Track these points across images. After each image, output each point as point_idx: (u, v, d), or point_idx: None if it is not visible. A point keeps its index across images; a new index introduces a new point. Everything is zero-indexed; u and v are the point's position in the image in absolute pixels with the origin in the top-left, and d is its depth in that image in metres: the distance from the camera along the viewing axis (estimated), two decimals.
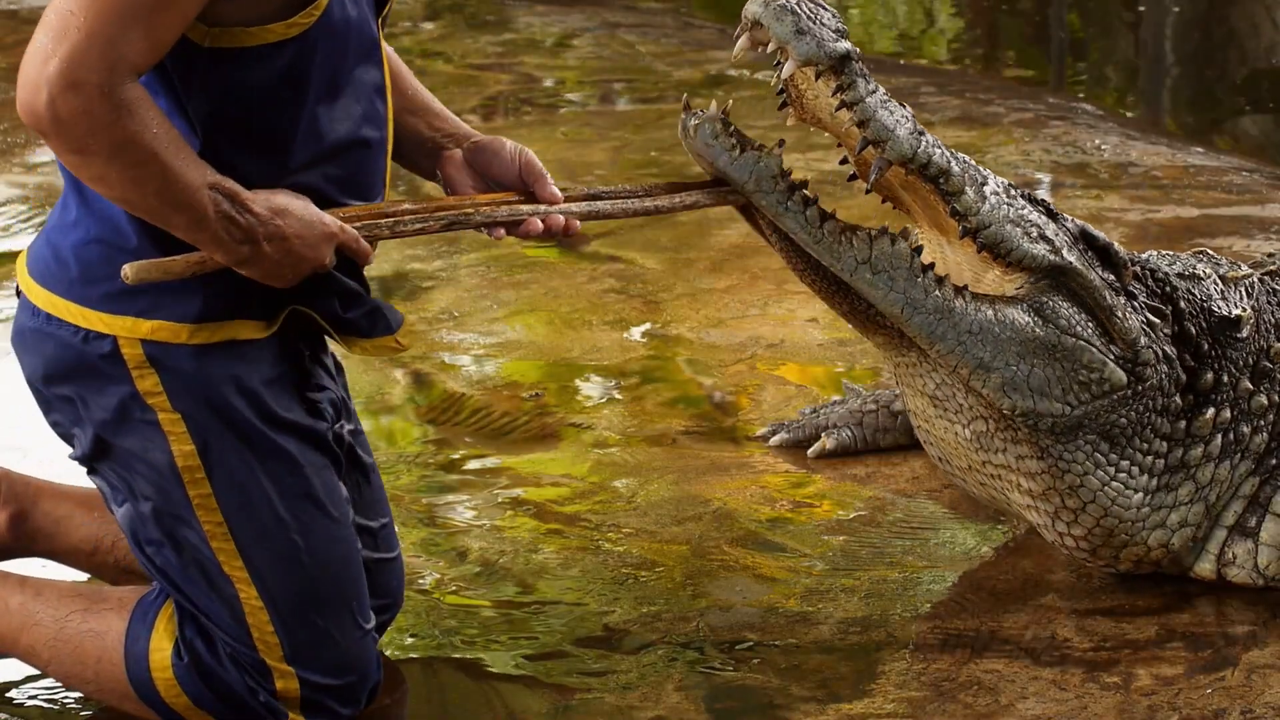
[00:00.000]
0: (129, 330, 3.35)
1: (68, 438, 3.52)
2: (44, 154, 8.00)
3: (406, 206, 3.49)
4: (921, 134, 3.71)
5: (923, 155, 3.70)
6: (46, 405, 3.51)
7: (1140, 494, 3.95)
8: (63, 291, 3.39)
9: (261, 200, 3.29)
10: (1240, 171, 7.62)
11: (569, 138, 8.25)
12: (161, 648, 3.49)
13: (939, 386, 3.92)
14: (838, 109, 3.67)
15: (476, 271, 6.30)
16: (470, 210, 3.53)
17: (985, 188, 3.82)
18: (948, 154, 3.76)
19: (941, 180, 3.74)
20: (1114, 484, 3.93)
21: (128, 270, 3.27)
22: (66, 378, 3.42)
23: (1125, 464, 3.93)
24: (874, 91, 3.66)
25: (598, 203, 3.63)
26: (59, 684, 3.73)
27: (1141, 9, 11.42)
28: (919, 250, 3.78)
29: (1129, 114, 9.57)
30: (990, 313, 3.81)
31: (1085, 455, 3.90)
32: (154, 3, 3.14)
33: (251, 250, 3.28)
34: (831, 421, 4.90)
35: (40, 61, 3.12)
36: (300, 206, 3.32)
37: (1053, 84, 10.29)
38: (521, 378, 5.40)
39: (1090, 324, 3.86)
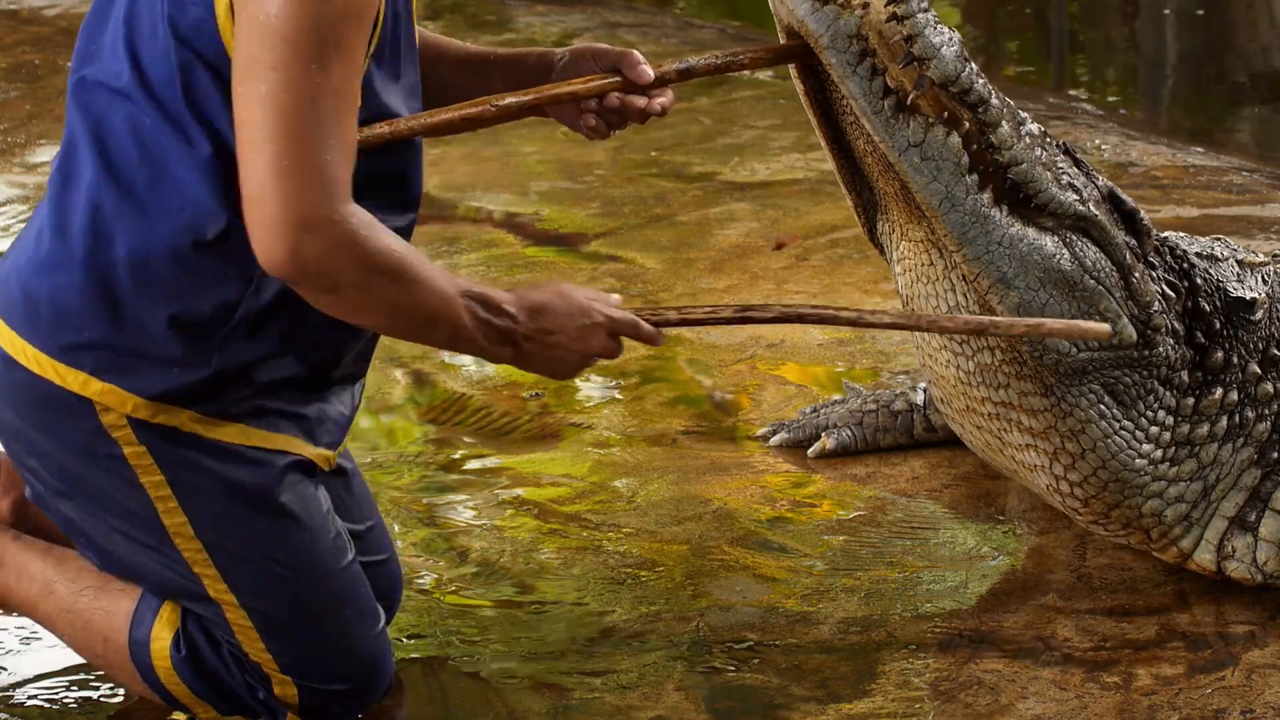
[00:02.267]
0: (79, 386, 3.29)
1: (32, 472, 3.44)
2: (44, 154, 8.00)
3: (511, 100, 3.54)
4: (967, 60, 3.74)
5: (966, 80, 3.72)
6: (6, 437, 3.44)
7: (1144, 460, 3.96)
8: (26, 333, 3.33)
9: (515, 300, 3.27)
10: (1240, 171, 7.62)
11: (569, 138, 8.24)
12: (161, 636, 3.48)
13: (952, 309, 3.92)
14: (888, 20, 3.69)
15: (476, 271, 6.30)
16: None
17: (1022, 127, 3.86)
18: (990, 87, 3.78)
19: (980, 109, 3.76)
20: (1117, 438, 3.94)
21: None
22: (28, 408, 3.36)
23: (1129, 425, 3.94)
24: (925, 9, 3.70)
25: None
26: (62, 685, 3.73)
27: (1166, 12, 11.41)
28: (968, 145, 3.78)
29: (1128, 111, 9.56)
30: (1023, 231, 3.82)
31: (1089, 404, 3.91)
32: (340, 108, 3.10)
33: (513, 351, 3.29)
34: (831, 421, 4.90)
35: (265, 214, 3.07)
36: (559, 302, 3.31)
37: (1053, 84, 10.29)
38: (521, 377, 5.40)
39: (1114, 274, 3.88)
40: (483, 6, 11.54)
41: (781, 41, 3.84)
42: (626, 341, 3.44)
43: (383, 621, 3.57)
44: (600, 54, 3.62)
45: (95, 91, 3.30)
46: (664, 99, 3.64)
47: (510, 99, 3.54)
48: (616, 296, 3.45)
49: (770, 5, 3.79)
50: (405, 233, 3.39)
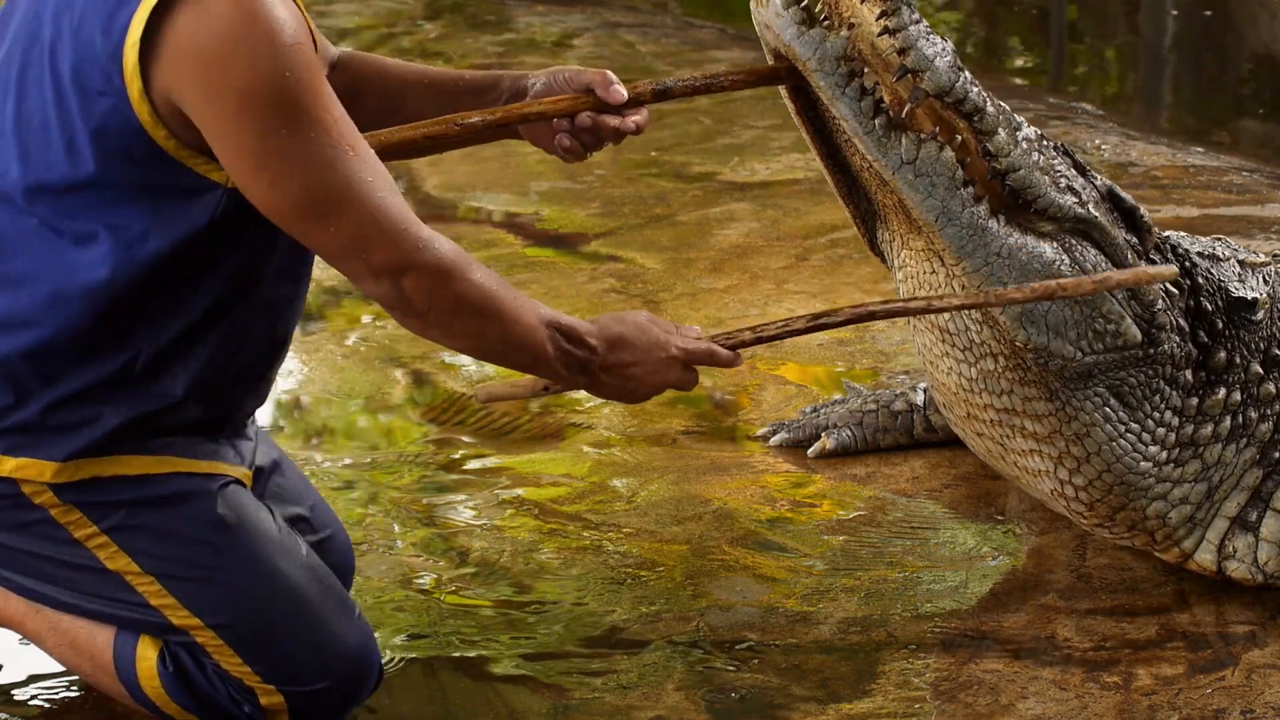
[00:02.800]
0: None
1: None
2: None
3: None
4: (960, 69, 3.73)
5: (960, 89, 3.71)
6: None
7: (1148, 463, 3.96)
8: None
9: (598, 333, 3.37)
10: (1240, 171, 7.62)
11: None
12: (147, 656, 3.47)
13: (953, 319, 3.92)
14: (880, 34, 3.68)
15: None
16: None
17: (1019, 132, 3.84)
18: (985, 94, 3.77)
19: (976, 118, 3.75)
20: (1122, 441, 3.93)
21: (480, 393, 3.39)
22: None
23: (1135, 427, 3.94)
24: (917, 21, 3.69)
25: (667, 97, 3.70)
26: (62, 685, 3.73)
27: (1175, 13, 11.41)
28: (964, 157, 3.78)
29: (1128, 111, 9.56)
30: (1022, 240, 3.81)
31: (1094, 406, 3.91)
32: (356, 147, 3.16)
33: (588, 380, 3.39)
34: (831, 421, 4.90)
35: (359, 271, 3.18)
36: (639, 335, 3.40)
37: (1053, 84, 10.29)
38: (521, 377, 5.39)
39: None
40: (483, 6, 11.54)
41: (770, 63, 3.84)
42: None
43: (358, 611, 3.54)
44: (574, 76, 3.61)
45: None
46: (638, 117, 3.61)
47: (475, 117, 3.52)
48: (696, 328, 3.52)
49: (756, 29, 3.79)
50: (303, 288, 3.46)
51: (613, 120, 3.59)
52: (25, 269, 3.26)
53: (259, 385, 3.49)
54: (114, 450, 3.32)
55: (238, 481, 3.46)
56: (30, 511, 3.32)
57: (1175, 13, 11.37)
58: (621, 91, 3.57)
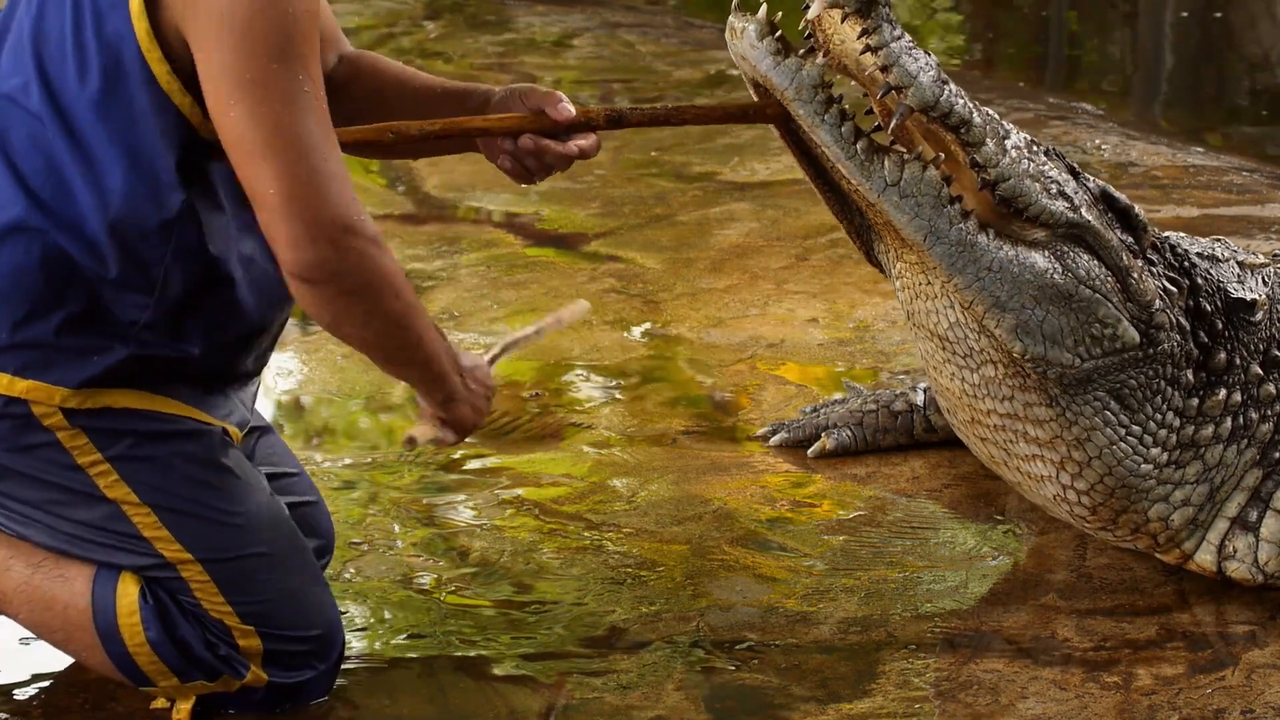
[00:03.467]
0: (4, 388, 3.33)
1: None
2: None
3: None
4: (945, 83, 3.72)
5: (945, 104, 3.71)
6: None
7: (1149, 465, 3.96)
8: None
9: (462, 357, 3.44)
10: (1240, 171, 7.62)
11: None
12: (128, 592, 3.49)
13: (951, 327, 3.92)
14: (862, 52, 3.68)
15: (477, 271, 6.30)
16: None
17: (1007, 141, 3.83)
18: (970, 105, 3.76)
19: (962, 130, 3.74)
20: (1123, 444, 3.93)
21: (413, 434, 3.45)
22: None
23: (1136, 429, 3.94)
24: (899, 37, 3.68)
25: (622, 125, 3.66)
26: (62, 684, 3.73)
27: (1184, 14, 11.40)
28: (949, 179, 3.78)
29: (1129, 111, 9.57)
30: (1012, 252, 3.81)
31: (1094, 411, 3.91)
32: (326, 108, 3.19)
33: (459, 381, 3.43)
34: (831, 421, 4.90)
35: (292, 228, 3.15)
36: (482, 370, 3.48)
37: (1053, 84, 10.29)
38: (522, 378, 5.40)
39: (1109, 280, 3.87)
40: (483, 6, 11.54)
41: (750, 92, 3.84)
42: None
43: (324, 583, 3.61)
44: (528, 93, 3.60)
45: None
46: (584, 141, 3.57)
47: (413, 126, 3.50)
48: None
49: (732, 60, 3.79)
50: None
51: (556, 146, 3.56)
52: (44, 182, 3.30)
53: (258, 345, 3.54)
54: (125, 385, 3.37)
55: (229, 437, 3.54)
56: (37, 434, 3.36)
57: (1185, 14, 11.37)
58: (568, 109, 3.55)
